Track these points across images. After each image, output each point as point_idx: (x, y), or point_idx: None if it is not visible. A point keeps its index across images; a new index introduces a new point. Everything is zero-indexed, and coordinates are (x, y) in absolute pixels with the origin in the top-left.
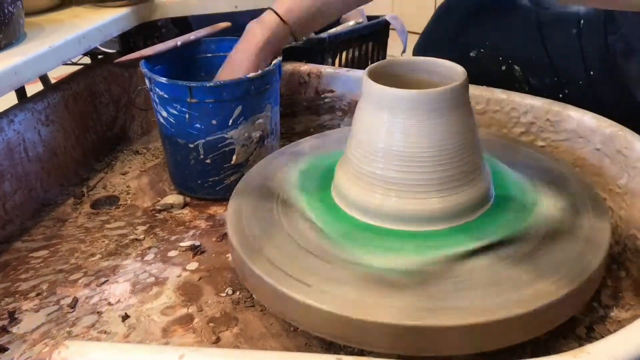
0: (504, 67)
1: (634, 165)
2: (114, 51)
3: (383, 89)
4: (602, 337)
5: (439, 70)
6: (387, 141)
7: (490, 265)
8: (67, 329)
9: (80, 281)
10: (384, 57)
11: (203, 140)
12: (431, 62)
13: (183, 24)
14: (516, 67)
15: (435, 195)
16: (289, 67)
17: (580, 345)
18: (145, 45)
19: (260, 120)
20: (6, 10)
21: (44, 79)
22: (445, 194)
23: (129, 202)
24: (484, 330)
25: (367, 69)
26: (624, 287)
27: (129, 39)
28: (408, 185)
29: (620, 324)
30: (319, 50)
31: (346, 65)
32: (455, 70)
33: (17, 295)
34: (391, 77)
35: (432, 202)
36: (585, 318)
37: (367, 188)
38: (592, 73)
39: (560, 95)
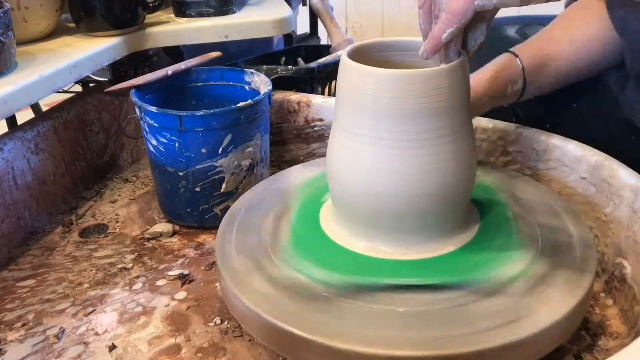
0: None
1: (619, 193)
2: (106, 79)
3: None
4: None
5: None
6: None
7: (477, 292)
8: (53, 359)
9: (67, 311)
10: None
11: (192, 169)
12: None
13: (175, 53)
14: None
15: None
16: (279, 96)
17: None
18: (137, 74)
19: (250, 149)
20: None
21: (34, 106)
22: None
23: (117, 230)
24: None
25: (346, 49)
26: (611, 315)
27: (120, 68)
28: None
29: (608, 353)
30: (308, 80)
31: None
32: None
33: (2, 326)
34: (375, 60)
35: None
36: (573, 347)
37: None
38: (577, 102)
39: (547, 125)
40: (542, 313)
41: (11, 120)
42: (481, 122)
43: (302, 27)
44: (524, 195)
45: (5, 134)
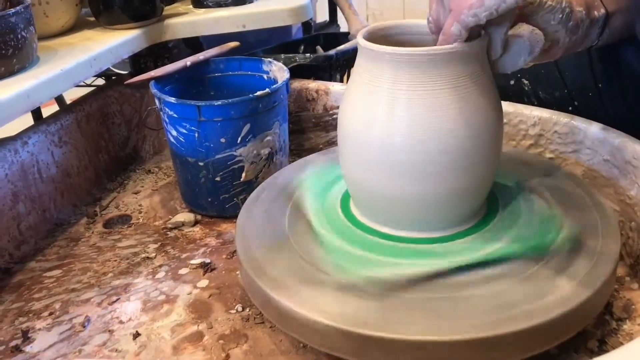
0: (512, 82)
1: None
2: (126, 72)
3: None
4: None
5: None
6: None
7: (500, 277)
8: (79, 347)
9: (92, 300)
10: None
11: (212, 159)
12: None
13: (194, 44)
14: (525, 81)
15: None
16: (297, 84)
17: (592, 359)
18: (156, 66)
19: (268, 138)
20: (19, 36)
21: (59, 100)
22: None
23: (141, 220)
24: (493, 344)
25: (361, 31)
26: (637, 299)
27: (140, 60)
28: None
29: (633, 337)
30: (327, 67)
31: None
32: None
33: (30, 315)
34: (392, 42)
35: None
36: (597, 331)
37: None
38: (600, 85)
39: (570, 108)
40: (564, 297)
41: (37, 115)
42: (502, 106)
43: (322, 15)
44: (546, 179)
45: (29, 128)
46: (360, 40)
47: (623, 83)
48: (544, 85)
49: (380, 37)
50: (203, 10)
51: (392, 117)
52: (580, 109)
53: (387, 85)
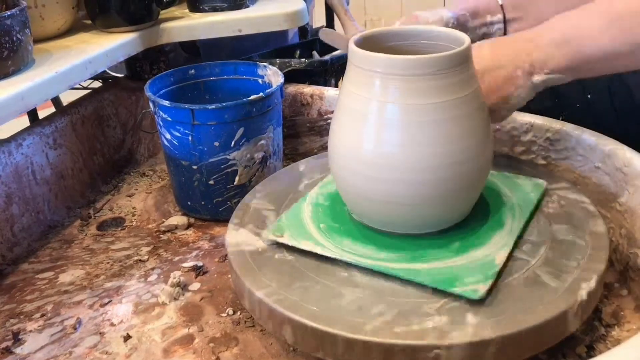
0: None
1: (634, 182)
2: (122, 75)
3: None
4: None
5: (439, 38)
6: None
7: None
8: (70, 349)
9: (84, 302)
10: None
11: (206, 162)
12: (429, 30)
13: (191, 47)
14: None
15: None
16: (292, 89)
17: None
18: (152, 70)
19: (262, 142)
20: (15, 38)
21: (56, 102)
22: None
23: (134, 223)
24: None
25: (353, 37)
26: (626, 305)
27: (136, 64)
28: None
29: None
30: (321, 72)
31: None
32: (456, 37)
33: (21, 317)
34: (383, 48)
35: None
36: (585, 337)
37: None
38: (589, 96)
39: (560, 118)
40: (550, 303)
41: (33, 117)
42: None
43: (318, 20)
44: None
45: (24, 130)
46: (351, 46)
47: (614, 93)
48: (534, 96)
49: (373, 43)
50: (199, 14)
51: (383, 124)
52: (568, 119)
53: (378, 91)
